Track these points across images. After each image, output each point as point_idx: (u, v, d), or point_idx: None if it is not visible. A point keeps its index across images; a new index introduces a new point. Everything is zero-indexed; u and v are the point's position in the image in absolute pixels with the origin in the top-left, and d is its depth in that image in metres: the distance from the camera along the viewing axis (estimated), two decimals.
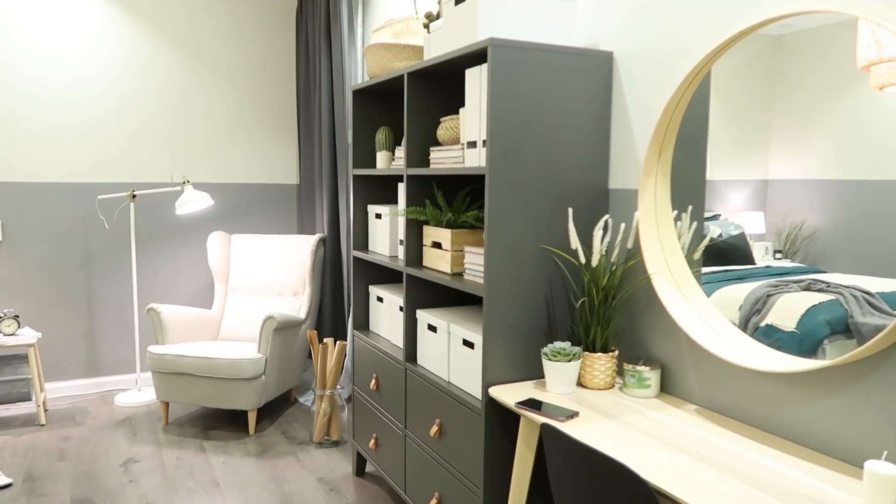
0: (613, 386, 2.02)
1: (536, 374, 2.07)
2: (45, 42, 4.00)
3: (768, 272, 1.64)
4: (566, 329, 2.10)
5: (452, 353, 2.22)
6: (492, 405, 2.00)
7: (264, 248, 4.22)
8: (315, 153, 4.33)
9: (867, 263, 1.43)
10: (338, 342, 3.33)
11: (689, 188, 1.86)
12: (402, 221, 2.51)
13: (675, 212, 1.90)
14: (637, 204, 1.99)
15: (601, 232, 1.97)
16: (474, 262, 2.13)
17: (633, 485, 1.25)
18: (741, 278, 1.72)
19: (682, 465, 1.47)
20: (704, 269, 1.82)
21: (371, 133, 2.97)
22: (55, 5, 4.00)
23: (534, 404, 1.81)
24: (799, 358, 1.55)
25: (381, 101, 2.97)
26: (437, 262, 2.32)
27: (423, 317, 2.40)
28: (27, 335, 3.63)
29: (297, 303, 4.06)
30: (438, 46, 2.27)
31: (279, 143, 4.71)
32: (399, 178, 2.98)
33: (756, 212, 1.67)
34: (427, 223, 2.45)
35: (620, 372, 2.13)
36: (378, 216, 2.85)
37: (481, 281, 2.07)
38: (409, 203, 2.41)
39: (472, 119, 2.07)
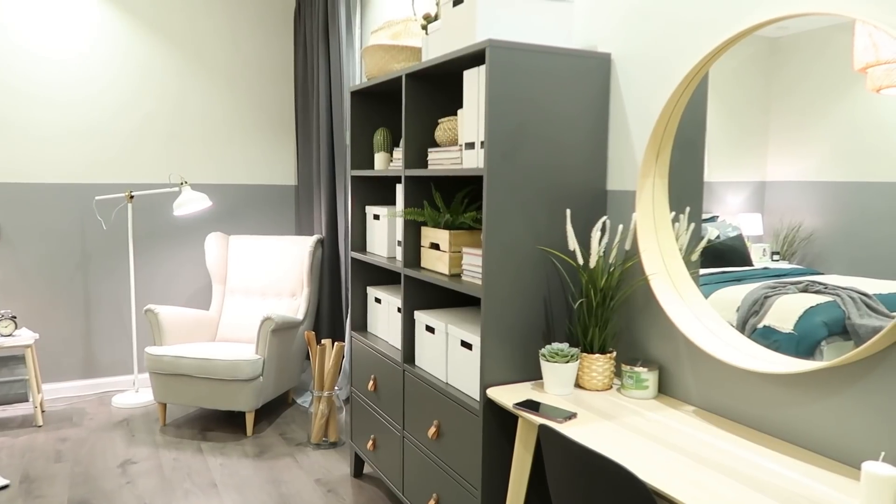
0: (611, 387, 2.02)
1: (534, 375, 2.07)
2: (44, 43, 3.99)
3: (766, 274, 1.65)
4: (564, 330, 2.10)
5: (450, 354, 2.22)
6: (490, 406, 2.00)
7: (262, 249, 4.21)
8: (313, 154, 4.33)
9: (864, 265, 1.43)
10: (336, 343, 3.33)
11: (686, 190, 1.86)
12: (400, 222, 2.51)
13: (673, 213, 1.91)
14: (635, 205, 1.99)
15: (599, 233, 1.97)
16: (472, 264, 2.13)
17: (631, 486, 1.25)
18: (739, 280, 1.72)
19: (680, 466, 1.47)
20: (702, 271, 1.83)
21: (369, 134, 2.97)
22: (53, 6, 4.00)
23: (532, 405, 1.81)
24: (796, 359, 1.55)
25: (379, 102, 2.97)
26: (435, 263, 2.32)
27: (421, 318, 2.40)
28: (24, 336, 3.62)
29: (294, 304, 4.05)
30: (436, 48, 2.27)
31: (277, 144, 4.70)
32: (397, 179, 2.98)
33: (754, 213, 1.68)
34: (425, 224, 2.45)
35: (618, 373, 2.13)
36: (376, 217, 2.85)
37: (479, 282, 2.08)
38: (407, 204, 2.42)
39: (471, 120, 2.07)
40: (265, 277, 4.15)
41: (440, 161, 2.28)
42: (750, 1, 1.67)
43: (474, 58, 2.05)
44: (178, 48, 4.35)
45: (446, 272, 2.25)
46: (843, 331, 1.47)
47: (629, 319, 2.09)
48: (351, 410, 3.05)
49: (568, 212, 2.01)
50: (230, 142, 4.55)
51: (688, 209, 1.86)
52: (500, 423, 2.02)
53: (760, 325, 1.64)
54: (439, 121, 2.34)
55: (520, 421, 1.89)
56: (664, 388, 1.98)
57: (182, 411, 3.92)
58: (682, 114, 1.85)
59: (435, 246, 2.34)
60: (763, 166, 1.64)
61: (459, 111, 2.17)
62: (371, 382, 2.76)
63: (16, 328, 3.64)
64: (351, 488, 2.95)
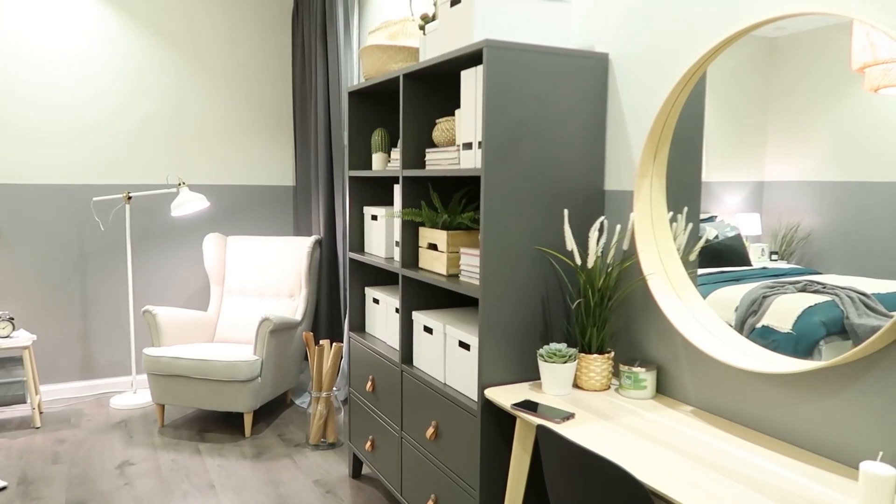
0: (609, 387, 2.02)
1: (532, 375, 2.07)
2: (41, 44, 3.99)
3: (764, 273, 1.64)
4: (562, 330, 2.10)
5: (448, 354, 2.22)
6: (488, 407, 2.00)
7: (260, 250, 4.21)
8: (311, 155, 4.32)
9: (863, 265, 1.43)
10: (334, 344, 3.32)
11: (684, 189, 1.86)
12: (397, 223, 2.51)
13: (671, 213, 1.90)
14: (633, 205, 1.99)
15: (597, 233, 1.97)
16: (470, 264, 2.13)
17: (629, 486, 1.25)
18: (737, 280, 1.72)
19: (678, 466, 1.47)
20: (701, 271, 1.82)
21: (367, 135, 2.97)
22: (50, 7, 3.99)
23: (530, 406, 1.81)
24: (795, 359, 1.55)
25: (376, 102, 2.97)
26: (433, 263, 2.32)
27: (419, 318, 2.39)
28: (22, 337, 3.62)
29: (293, 305, 4.05)
30: (434, 48, 2.27)
31: (275, 144, 4.70)
32: (395, 180, 2.97)
33: (752, 213, 1.67)
34: (423, 225, 2.45)
35: (616, 373, 2.12)
36: (374, 218, 2.84)
37: (477, 282, 2.07)
38: (404, 204, 2.41)
39: (468, 120, 2.07)
40: (263, 278, 4.14)
41: (438, 161, 2.28)
42: (747, 1, 1.67)
43: (472, 58, 2.05)
44: (176, 49, 4.34)
45: (444, 272, 2.25)
46: (841, 330, 1.46)
47: (627, 319, 2.09)
48: (349, 411, 3.04)
49: (566, 212, 2.01)
50: (228, 142, 4.55)
51: (686, 209, 1.86)
52: (498, 423, 2.02)
53: (759, 325, 1.64)
54: (437, 121, 2.34)
55: (518, 421, 1.88)
56: (662, 389, 1.98)
57: (180, 412, 3.91)
58: (679, 113, 1.85)
59: (433, 246, 2.34)
60: (761, 166, 1.64)
61: (457, 111, 2.16)
62: (369, 383, 2.76)
63: (13, 329, 3.63)
64: (349, 489, 2.95)
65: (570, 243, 1.99)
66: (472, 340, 2.06)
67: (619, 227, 2.07)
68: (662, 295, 1.87)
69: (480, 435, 1.99)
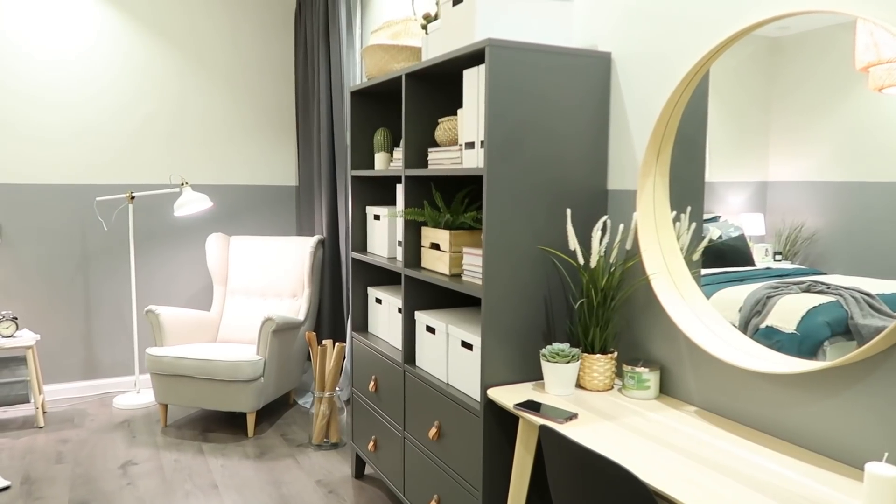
0: (612, 387, 2.01)
1: (535, 375, 2.06)
2: (44, 44, 3.99)
3: (768, 274, 1.64)
4: (565, 330, 2.09)
5: (451, 354, 2.21)
6: (490, 407, 1.99)
7: (263, 250, 4.21)
8: (314, 154, 4.33)
9: (867, 265, 1.42)
10: (337, 344, 3.32)
11: (687, 189, 1.85)
12: (400, 223, 2.51)
13: (674, 213, 1.90)
14: (636, 205, 1.98)
15: (600, 233, 1.96)
16: (472, 264, 2.12)
17: (632, 487, 1.24)
18: (741, 280, 1.72)
19: (681, 466, 1.46)
20: (704, 271, 1.82)
21: (369, 134, 2.97)
22: (53, 7, 4.00)
23: (532, 406, 1.81)
24: (799, 359, 1.54)
25: (379, 102, 2.97)
26: (436, 263, 2.32)
27: (422, 318, 2.39)
28: (25, 337, 3.62)
29: (295, 304, 4.05)
30: (436, 47, 2.26)
31: (278, 144, 4.70)
32: (397, 180, 2.97)
33: (756, 213, 1.67)
34: (425, 224, 2.44)
35: (619, 373, 2.12)
36: (376, 217, 2.84)
37: (479, 282, 2.07)
38: (407, 204, 2.41)
39: (470, 120, 2.06)
40: (266, 278, 4.14)
41: (440, 161, 2.27)
42: None
43: (474, 57, 2.05)
44: (179, 49, 4.35)
45: (447, 272, 2.24)
46: (845, 331, 1.46)
47: (630, 319, 2.08)
48: (352, 411, 3.04)
49: (568, 211, 2.01)
50: (231, 142, 4.55)
51: (689, 209, 1.85)
52: (500, 423, 2.01)
53: (763, 326, 1.63)
54: (439, 120, 2.34)
55: (521, 422, 1.88)
56: (665, 389, 1.97)
57: (183, 412, 3.92)
58: (682, 113, 1.84)
59: (435, 246, 2.34)
60: (765, 166, 1.63)
61: (459, 111, 2.16)
62: (372, 383, 2.76)
63: (17, 329, 3.64)
64: (352, 489, 2.95)
65: (573, 243, 1.98)
66: (475, 340, 2.06)
67: (621, 226, 2.07)
68: (666, 295, 1.86)
69: (483, 435, 1.99)
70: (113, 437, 3.53)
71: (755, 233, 1.67)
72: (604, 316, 1.98)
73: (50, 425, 3.70)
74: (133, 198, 4.10)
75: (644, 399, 1.92)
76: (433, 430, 2.23)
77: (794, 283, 1.57)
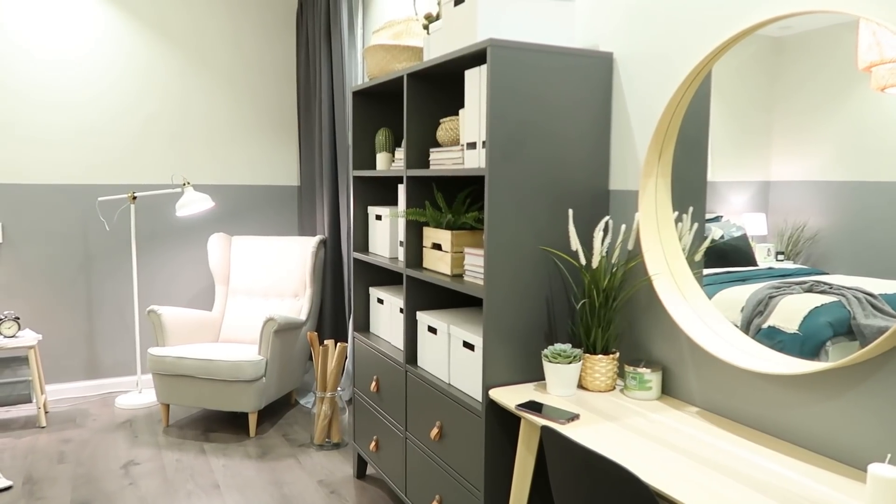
0: (614, 388, 2.01)
1: (537, 376, 2.06)
2: (47, 45, 4.00)
3: (770, 274, 1.63)
4: (566, 331, 2.09)
5: (453, 354, 2.21)
6: (492, 407, 1.99)
7: (265, 250, 4.21)
8: (315, 154, 4.33)
9: (870, 265, 1.42)
10: (338, 344, 3.32)
11: (689, 189, 1.85)
12: (402, 223, 2.51)
13: (676, 213, 1.90)
14: (638, 205, 1.98)
15: (601, 233, 1.96)
16: (474, 264, 2.12)
17: (634, 487, 1.24)
18: (743, 280, 1.71)
19: (683, 467, 1.46)
20: (706, 271, 1.81)
21: (371, 134, 2.97)
22: (56, 8, 4.00)
23: (534, 406, 1.80)
24: (801, 360, 1.54)
25: (380, 102, 2.97)
26: (437, 263, 2.32)
27: (424, 318, 2.39)
28: (27, 337, 3.63)
29: (297, 304, 4.05)
30: (438, 47, 2.26)
31: (280, 144, 4.70)
32: (399, 180, 2.97)
33: (758, 213, 1.66)
34: (427, 224, 2.44)
35: (621, 374, 2.12)
36: (378, 218, 2.84)
37: (481, 282, 2.07)
38: (408, 204, 2.41)
39: (472, 120, 2.06)
40: (268, 278, 4.15)
41: (442, 161, 2.27)
42: None
43: (475, 57, 2.05)
44: (181, 49, 4.35)
45: (448, 272, 2.24)
46: (848, 331, 1.45)
47: (632, 320, 2.08)
48: (353, 411, 3.04)
49: (570, 212, 2.00)
50: (233, 142, 4.55)
51: (691, 209, 1.85)
52: (502, 424, 2.01)
53: (765, 326, 1.63)
54: (441, 121, 2.34)
55: (522, 422, 1.88)
56: (667, 389, 1.97)
57: (185, 412, 3.92)
58: (684, 113, 1.84)
59: (437, 246, 2.33)
60: (767, 166, 1.63)
61: (461, 111, 2.16)
62: (373, 383, 2.76)
63: (19, 329, 3.64)
64: (354, 489, 2.95)
65: (575, 243, 1.98)
66: (477, 341, 2.06)
67: (623, 227, 2.07)
68: (668, 295, 1.86)
69: (485, 435, 1.99)
70: (115, 437, 3.53)
71: (757, 233, 1.67)
72: (605, 316, 1.98)
73: (52, 425, 3.71)
74: (135, 198, 4.10)
75: (646, 400, 1.92)
76: (435, 431, 2.23)
77: (797, 283, 1.56)
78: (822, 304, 1.50)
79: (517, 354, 2.02)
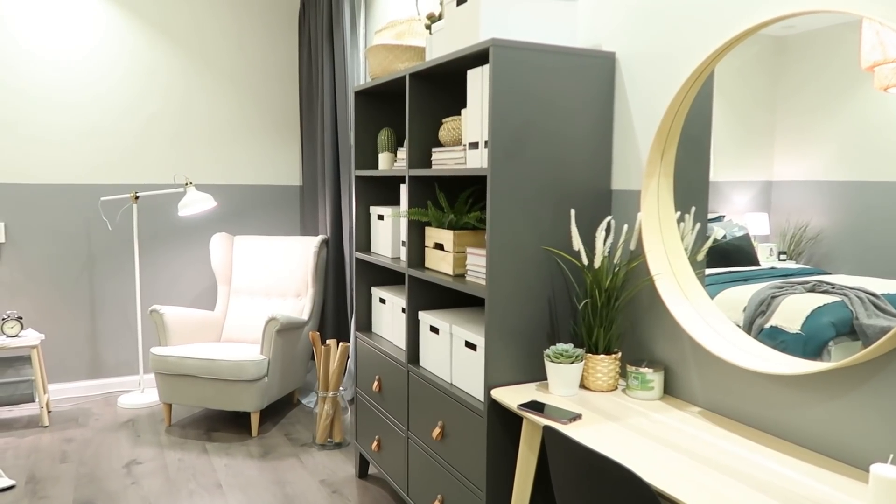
0: (616, 388, 2.01)
1: (539, 375, 2.06)
2: (49, 45, 4.00)
3: (773, 273, 1.63)
4: (568, 331, 2.09)
5: (454, 354, 2.21)
6: (494, 407, 1.99)
7: (267, 250, 4.22)
8: (317, 154, 4.33)
9: (872, 265, 1.42)
10: (340, 344, 3.32)
11: (692, 189, 1.85)
12: (404, 223, 2.51)
13: (679, 213, 1.89)
14: (640, 205, 1.98)
15: (604, 233, 1.96)
16: (476, 264, 2.12)
17: (636, 487, 1.24)
18: (745, 280, 1.71)
19: (685, 467, 1.46)
20: (708, 271, 1.81)
21: (373, 134, 2.97)
22: (59, 8, 4.01)
23: (536, 406, 1.80)
24: (804, 360, 1.54)
25: (383, 102, 2.97)
26: (439, 263, 2.32)
27: (426, 318, 2.39)
28: (30, 337, 3.63)
29: (299, 304, 4.05)
30: (440, 47, 2.26)
31: (282, 144, 4.71)
32: (401, 180, 2.97)
33: (760, 213, 1.66)
34: (429, 224, 2.44)
35: (623, 374, 2.11)
36: (380, 217, 2.84)
37: (483, 282, 2.07)
38: (411, 204, 2.41)
39: (474, 120, 2.06)
40: (270, 278, 4.15)
41: (444, 161, 2.27)
42: None
43: (478, 57, 2.05)
44: (183, 49, 4.35)
45: (450, 272, 2.24)
46: (850, 331, 1.45)
47: (634, 320, 2.08)
48: (356, 411, 3.04)
49: (572, 212, 2.00)
50: (235, 142, 4.56)
51: (693, 209, 1.85)
52: (504, 424, 2.01)
53: (767, 326, 1.63)
54: (443, 120, 2.34)
55: (524, 422, 1.88)
56: (670, 389, 1.97)
57: (187, 412, 3.93)
58: (687, 112, 1.84)
59: (439, 246, 2.33)
60: (769, 165, 1.62)
61: (463, 111, 2.16)
62: (375, 383, 2.76)
63: (22, 329, 3.65)
64: (356, 489, 2.95)
65: (577, 243, 1.98)
66: (479, 340, 2.06)
67: (626, 226, 2.06)
68: (670, 295, 1.86)
69: (487, 435, 1.99)
70: (117, 437, 3.54)
71: (760, 232, 1.67)
72: (608, 316, 1.98)
73: (54, 424, 3.71)
74: (137, 198, 4.11)
75: (648, 399, 1.92)
76: (437, 431, 2.23)
77: (799, 283, 1.56)
78: (825, 304, 1.50)
79: (519, 354, 2.02)
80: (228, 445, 3.42)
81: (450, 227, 2.31)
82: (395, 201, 3.03)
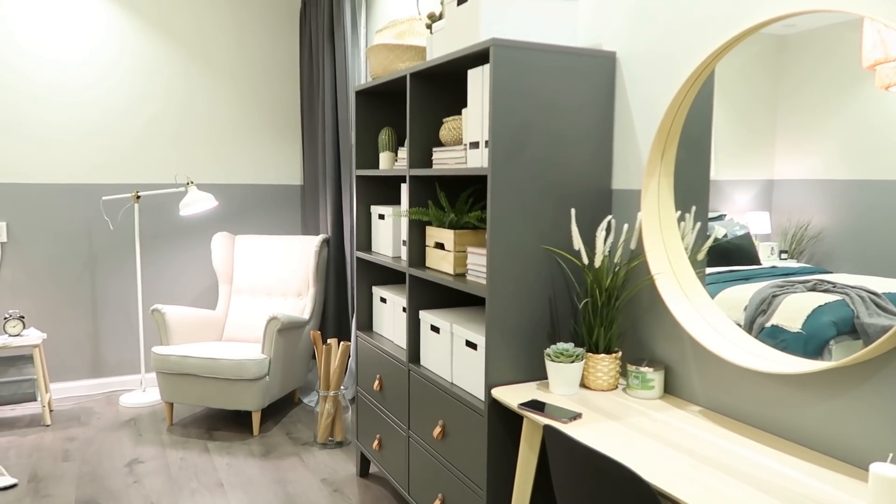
0: (617, 387, 2.01)
1: (539, 375, 2.06)
2: (51, 45, 4.01)
3: (774, 272, 1.63)
4: (569, 330, 2.09)
5: (455, 353, 2.21)
6: (495, 406, 1.99)
7: (268, 249, 4.22)
8: (318, 154, 4.33)
9: (873, 264, 1.41)
10: (341, 343, 3.33)
11: (692, 188, 1.85)
12: (404, 222, 2.51)
13: (679, 212, 1.89)
14: (640, 204, 1.98)
15: (604, 232, 1.96)
16: (477, 263, 2.12)
17: (636, 487, 1.24)
18: (746, 279, 1.71)
19: (686, 466, 1.46)
20: (709, 270, 1.81)
21: (374, 134, 2.97)
22: (60, 8, 4.01)
23: (537, 405, 1.81)
24: (804, 359, 1.54)
25: (383, 101, 2.97)
26: (440, 262, 2.32)
27: (426, 317, 2.39)
28: (32, 336, 3.64)
29: (300, 303, 4.06)
30: (441, 47, 2.26)
31: (283, 143, 4.71)
32: (402, 179, 2.97)
33: (761, 212, 1.66)
34: (430, 224, 2.44)
35: (624, 373, 2.12)
36: (381, 217, 2.84)
37: (484, 282, 2.07)
38: (411, 204, 2.41)
39: (475, 119, 2.06)
40: (271, 277, 4.15)
41: (445, 160, 2.27)
42: None
43: (478, 57, 2.05)
44: (185, 49, 4.36)
45: (451, 272, 2.24)
46: (851, 330, 1.45)
47: (635, 319, 2.08)
48: (357, 410, 3.05)
49: (573, 211, 2.00)
50: (236, 142, 4.56)
51: (694, 208, 1.85)
52: (505, 423, 2.01)
53: (768, 325, 1.63)
54: (444, 120, 2.34)
55: (525, 421, 1.88)
56: (670, 389, 1.97)
57: (189, 411, 3.93)
58: (687, 112, 1.84)
59: (440, 245, 2.34)
60: (770, 164, 1.62)
61: (464, 110, 2.16)
62: (376, 382, 2.76)
63: (24, 328, 3.66)
64: (357, 488, 2.95)
65: (578, 243, 1.98)
66: (479, 340, 2.06)
67: (626, 226, 2.06)
68: (670, 294, 1.86)
69: (487, 434, 1.99)
70: (119, 436, 3.54)
71: (761, 231, 1.67)
72: (608, 316, 1.98)
73: (56, 423, 3.72)
74: (139, 197, 4.11)
75: (648, 399, 1.92)
76: (437, 430, 2.24)
77: (800, 282, 1.56)
78: (826, 303, 1.50)
79: (520, 353, 2.02)
80: (230, 444, 3.42)
81: (450, 227, 2.31)
82: (395, 201, 3.03)
